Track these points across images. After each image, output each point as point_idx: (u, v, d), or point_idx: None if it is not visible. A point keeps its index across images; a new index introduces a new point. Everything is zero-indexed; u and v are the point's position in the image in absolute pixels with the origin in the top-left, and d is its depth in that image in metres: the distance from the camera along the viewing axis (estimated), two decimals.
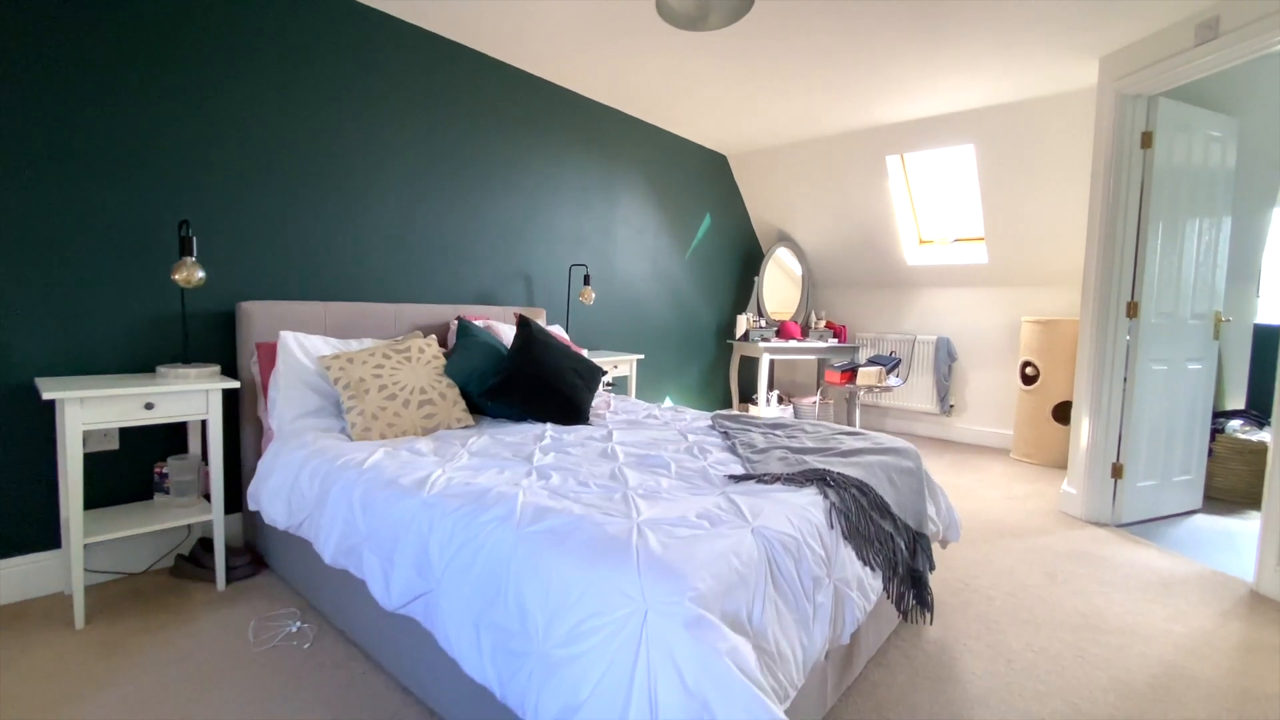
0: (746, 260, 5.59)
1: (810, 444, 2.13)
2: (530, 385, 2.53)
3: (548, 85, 3.64)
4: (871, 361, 4.82)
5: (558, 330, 3.40)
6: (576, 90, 3.79)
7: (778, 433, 2.34)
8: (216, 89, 2.40)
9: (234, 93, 2.44)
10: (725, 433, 2.34)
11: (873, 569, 1.61)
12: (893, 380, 4.71)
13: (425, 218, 3.10)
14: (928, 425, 5.16)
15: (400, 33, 2.93)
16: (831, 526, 1.53)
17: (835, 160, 4.72)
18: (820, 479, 1.70)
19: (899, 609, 1.73)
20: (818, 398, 5.30)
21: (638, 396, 4.50)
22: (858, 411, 4.92)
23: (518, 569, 1.25)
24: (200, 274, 2.15)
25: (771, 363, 5.94)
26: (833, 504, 1.59)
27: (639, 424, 2.59)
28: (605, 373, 2.91)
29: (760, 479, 1.70)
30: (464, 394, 2.55)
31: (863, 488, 1.73)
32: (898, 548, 1.74)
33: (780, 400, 5.35)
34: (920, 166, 4.63)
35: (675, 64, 3.37)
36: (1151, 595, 2.37)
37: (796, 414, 5.27)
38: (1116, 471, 3.14)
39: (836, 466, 1.83)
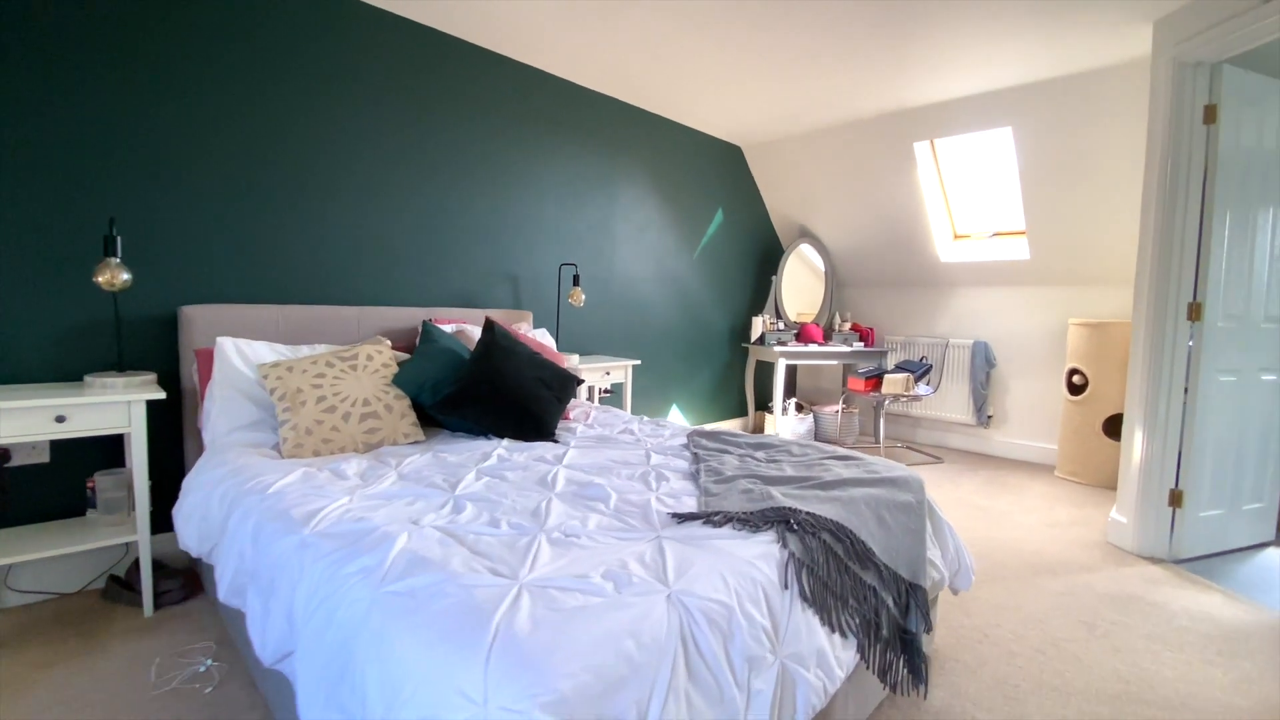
0: (764, 258, 5.25)
1: (790, 471, 1.82)
2: (488, 397, 2.29)
3: (535, 72, 3.41)
4: (899, 368, 4.42)
5: (539, 335, 3.16)
6: (568, 77, 3.55)
7: (757, 455, 2.03)
8: (163, 79, 2.25)
9: (179, 82, 2.29)
10: (696, 454, 2.05)
11: (844, 635, 1.31)
12: (922, 389, 4.31)
13: (398, 215, 2.91)
14: (963, 437, 4.72)
15: (366, 15, 2.74)
16: (786, 586, 1.23)
17: (859, 148, 4.34)
18: (783, 521, 1.40)
19: (884, 681, 1.42)
20: (840, 407, 4.92)
21: (637, 407, 4.23)
22: (882, 421, 4.53)
23: (366, 641, 1.00)
24: (125, 276, 1.99)
25: (791, 369, 5.58)
26: (792, 554, 1.29)
27: (608, 441, 2.32)
28: (581, 381, 2.65)
29: (709, 519, 1.41)
30: (417, 406, 2.33)
31: (838, 532, 1.43)
32: (882, 605, 1.43)
33: (799, 409, 5.00)
34: (953, 153, 4.21)
35: (680, 46, 3.09)
36: (1212, 654, 1.97)
37: (817, 424, 4.91)
38: (1175, 499, 2.71)
39: (811, 503, 1.52)
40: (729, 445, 2.16)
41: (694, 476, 1.82)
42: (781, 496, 1.56)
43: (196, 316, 2.28)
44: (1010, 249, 4.26)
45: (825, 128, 4.36)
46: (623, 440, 2.34)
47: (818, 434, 4.91)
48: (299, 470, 1.77)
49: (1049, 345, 4.25)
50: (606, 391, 3.93)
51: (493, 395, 2.30)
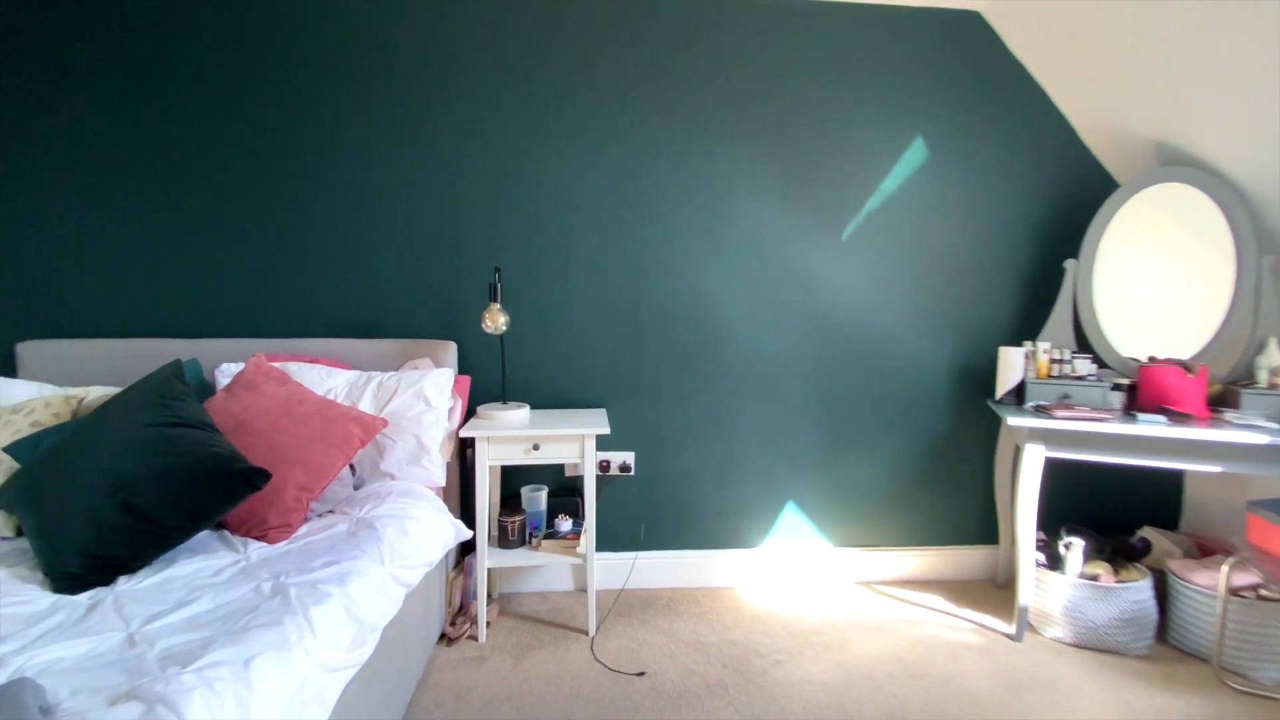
0: (1048, 225, 2.52)
1: None
2: (47, 499, 1.48)
3: None
4: None
5: (433, 378, 2.08)
6: None
7: None
8: None
9: None
10: None
11: None
12: None
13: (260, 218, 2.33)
14: None
15: None
16: None
17: None
18: None
19: None
20: (1227, 569, 1.95)
21: (699, 502, 2.52)
22: None
23: None
24: None
25: (1077, 469, 2.55)
26: None
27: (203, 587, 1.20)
28: (258, 483, 1.54)
29: None
30: None
31: None
32: None
33: (1111, 559, 2.22)
34: None
35: None
36: None
37: (1166, 608, 2.07)
38: None
39: None
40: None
41: None
42: None
43: (27, 353, 2.21)
44: None
45: None
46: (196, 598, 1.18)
47: (1164, 632, 2.07)
48: None
49: None
50: (623, 470, 2.46)
51: (53, 503, 1.47)
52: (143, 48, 2.24)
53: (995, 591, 2.53)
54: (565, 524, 2.31)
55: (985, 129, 2.47)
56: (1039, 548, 2.25)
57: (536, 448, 2.11)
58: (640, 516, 2.53)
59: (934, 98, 2.44)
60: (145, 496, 1.46)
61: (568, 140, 2.38)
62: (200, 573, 1.45)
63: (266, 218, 2.33)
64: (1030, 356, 2.33)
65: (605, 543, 2.51)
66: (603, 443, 2.45)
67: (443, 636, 2.15)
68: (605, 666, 2.01)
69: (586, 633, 2.20)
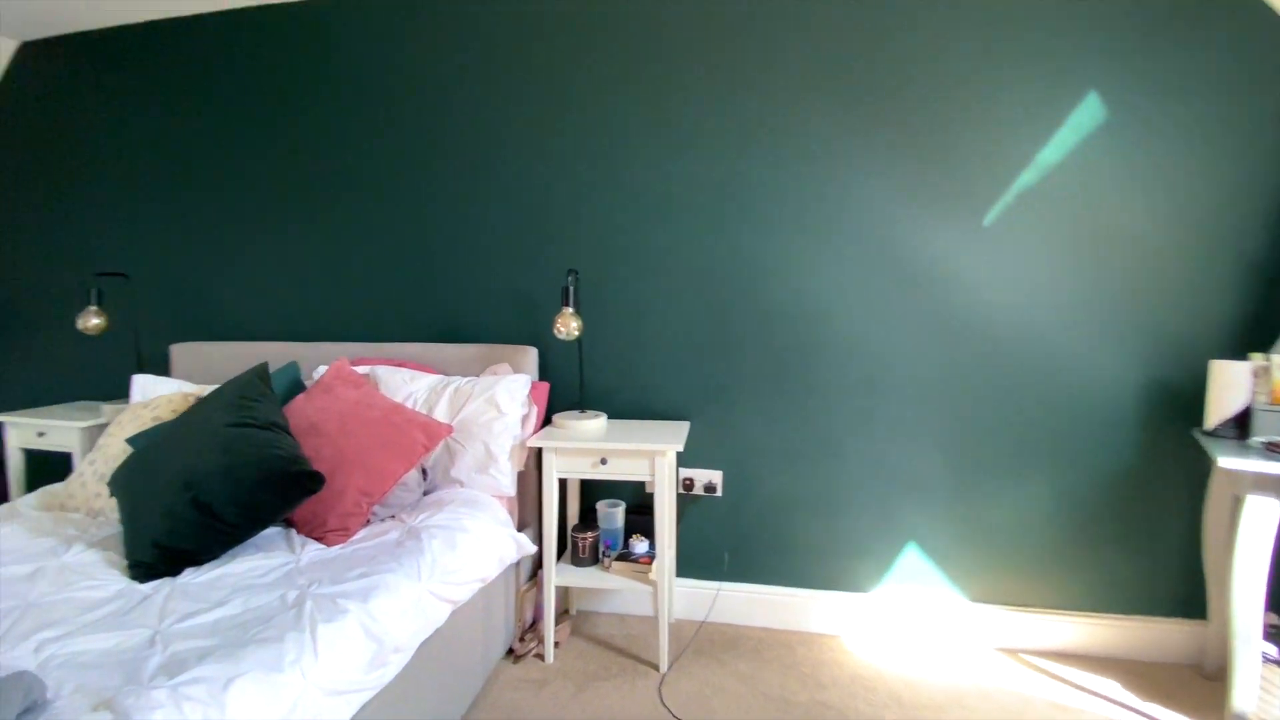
0: None
1: None
2: (139, 493, 1.60)
3: None
4: None
5: (507, 385, 2.04)
6: None
7: None
8: None
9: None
10: None
11: None
12: None
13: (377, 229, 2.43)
14: None
15: None
16: None
17: None
18: None
19: None
20: None
21: (797, 536, 2.19)
22: None
23: None
24: (95, 320, 2.39)
25: None
26: None
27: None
28: (313, 490, 1.55)
29: None
30: None
31: None
32: None
33: None
34: None
35: None
36: None
37: None
38: None
39: None
40: None
41: None
42: None
43: (181, 354, 2.51)
44: None
45: None
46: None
47: None
48: None
49: None
50: (708, 490, 2.23)
51: (140, 497, 1.59)
52: (250, 88, 2.46)
53: (1200, 684, 1.91)
54: (641, 546, 2.13)
55: (1189, 71, 1.86)
56: (1269, 635, 1.64)
57: (604, 462, 1.96)
58: (725, 543, 2.27)
59: (1111, 35, 1.90)
60: (213, 493, 1.53)
61: (655, 135, 2.20)
62: (251, 572, 1.48)
63: (372, 235, 2.44)
64: (1261, 374, 1.71)
65: (686, 568, 2.29)
66: (688, 459, 2.24)
67: (510, 651, 2.08)
68: (670, 712, 1.80)
69: (658, 668, 2.00)
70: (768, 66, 2.11)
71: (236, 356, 2.41)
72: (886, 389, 2.13)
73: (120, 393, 2.43)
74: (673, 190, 2.21)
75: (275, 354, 2.34)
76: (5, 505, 1.88)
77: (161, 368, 2.49)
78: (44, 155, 2.70)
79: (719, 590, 2.26)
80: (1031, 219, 2.00)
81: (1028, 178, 1.99)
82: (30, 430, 2.40)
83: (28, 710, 0.90)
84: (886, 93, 2.05)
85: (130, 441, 1.81)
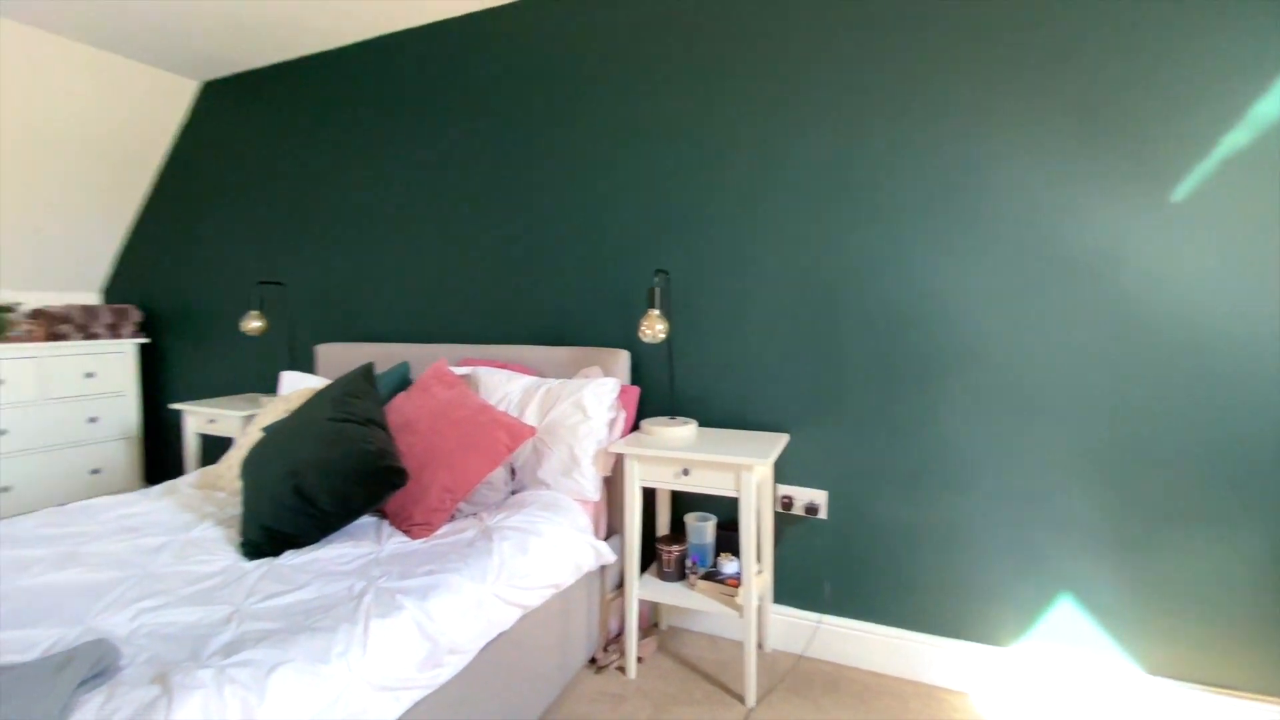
0: None
1: None
2: (254, 483, 1.76)
3: None
4: None
5: (596, 387, 2.00)
6: None
7: None
8: None
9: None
10: None
11: None
12: None
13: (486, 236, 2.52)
14: None
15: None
16: None
17: None
18: None
19: None
20: None
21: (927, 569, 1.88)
22: None
23: None
24: (256, 323, 2.72)
25: None
26: None
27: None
28: (397, 485, 1.61)
29: None
30: None
31: None
32: None
33: None
34: None
35: None
36: None
37: None
38: None
39: None
40: None
41: None
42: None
43: (326, 354, 2.78)
44: None
45: None
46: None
47: None
48: (124, 498, 2.00)
49: None
50: (809, 512, 2.02)
51: (257, 482, 1.75)
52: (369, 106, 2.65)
53: None
54: (730, 565, 1.97)
55: None
56: None
57: (686, 473, 1.83)
58: (828, 571, 2.03)
59: None
60: (311, 483, 1.63)
61: (762, 120, 2.04)
62: (337, 559, 1.56)
63: (485, 244, 2.52)
64: None
65: (785, 595, 2.08)
66: (787, 475, 2.04)
67: (593, 660, 2.02)
68: None
69: (744, 702, 1.83)
70: (901, 35, 1.86)
71: (367, 356, 2.62)
72: (1035, 407, 1.78)
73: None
74: (779, 179, 2.02)
75: (399, 354, 2.51)
76: (168, 482, 2.18)
77: (309, 365, 2.78)
78: (218, 181, 3.15)
79: (820, 622, 2.02)
80: (1238, 193, 1.56)
81: (1236, 138, 1.55)
82: (204, 418, 2.80)
83: (95, 675, 0.99)
84: (1053, 53, 1.71)
85: (265, 430, 2.02)
